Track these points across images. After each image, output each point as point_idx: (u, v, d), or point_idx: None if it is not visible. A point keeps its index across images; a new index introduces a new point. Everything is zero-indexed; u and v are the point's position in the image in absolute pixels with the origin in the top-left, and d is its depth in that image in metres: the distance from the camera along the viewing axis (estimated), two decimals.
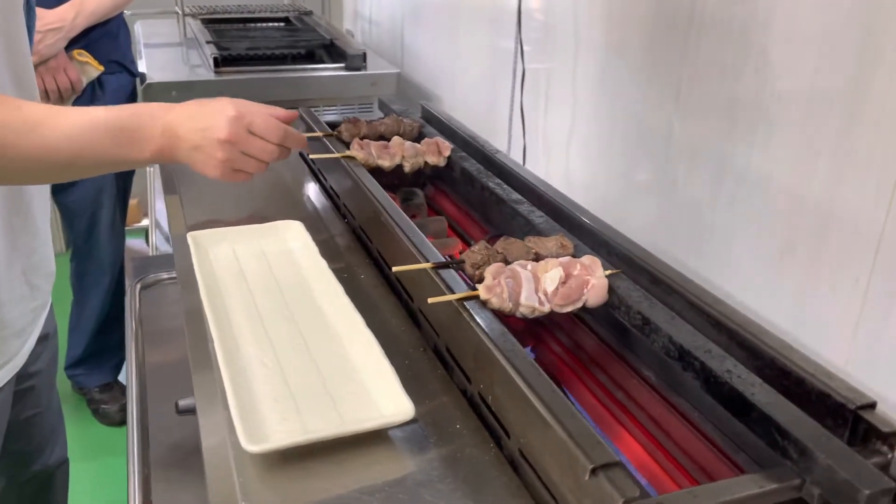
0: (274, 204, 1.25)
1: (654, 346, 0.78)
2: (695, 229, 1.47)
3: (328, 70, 2.38)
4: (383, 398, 0.75)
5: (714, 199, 1.39)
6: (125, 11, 2.75)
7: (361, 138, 1.23)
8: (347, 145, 1.19)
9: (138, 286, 1.31)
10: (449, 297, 0.79)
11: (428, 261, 0.86)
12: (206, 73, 2.28)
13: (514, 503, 0.67)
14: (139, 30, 2.80)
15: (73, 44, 2.00)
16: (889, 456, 0.64)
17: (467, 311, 0.77)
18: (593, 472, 0.58)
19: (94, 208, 2.24)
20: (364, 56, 2.37)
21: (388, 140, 1.21)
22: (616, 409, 0.95)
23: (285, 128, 0.94)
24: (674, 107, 1.47)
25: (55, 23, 1.93)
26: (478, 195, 1.13)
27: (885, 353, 1.11)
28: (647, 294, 0.83)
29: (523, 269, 0.82)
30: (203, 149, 0.89)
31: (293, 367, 0.80)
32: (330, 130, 1.26)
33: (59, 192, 2.22)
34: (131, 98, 2.23)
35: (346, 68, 2.37)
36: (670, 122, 1.47)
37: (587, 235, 0.97)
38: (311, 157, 1.21)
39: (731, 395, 0.68)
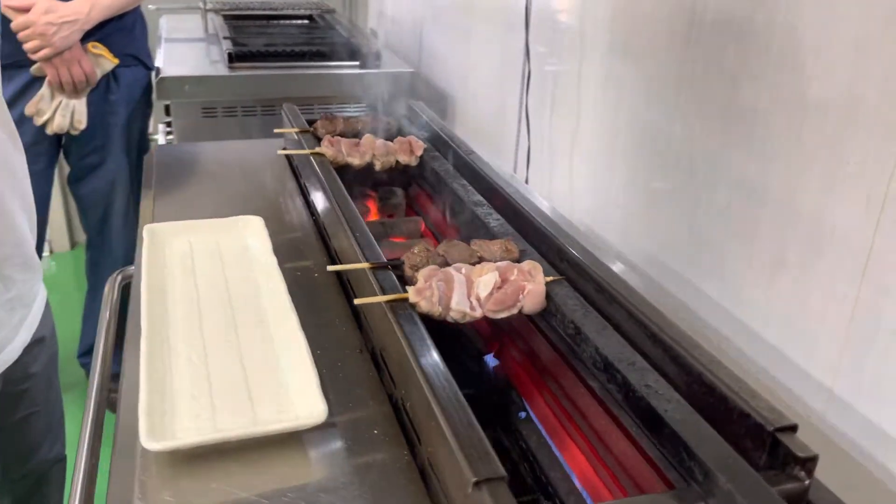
0: (250, 200, 1.25)
1: (583, 357, 0.76)
2: (690, 237, 1.44)
3: (343, 68, 2.38)
4: (300, 400, 0.74)
5: (709, 207, 1.36)
6: (149, 6, 2.80)
7: (338, 135, 1.22)
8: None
9: (119, 277, 1.32)
10: (377, 298, 0.78)
11: (369, 261, 0.85)
12: (222, 69, 2.30)
13: None
14: (163, 24, 2.84)
15: (88, 36, 2.02)
16: (806, 482, 0.61)
17: (393, 313, 0.76)
18: (476, 485, 0.56)
19: (107, 200, 2.28)
20: (378, 54, 2.36)
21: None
22: (565, 419, 0.92)
23: None
24: (672, 113, 1.44)
25: (70, 15, 1.95)
26: (445, 196, 1.11)
27: (870, 372, 1.08)
28: (584, 302, 0.80)
29: (458, 272, 0.80)
30: None
31: (220, 364, 0.79)
32: (307, 127, 1.25)
33: (73, 182, 2.26)
34: (146, 91, 2.25)
35: (361, 66, 2.36)
36: (669, 128, 1.45)
37: (542, 240, 0.95)
38: (279, 152, 1.21)
39: (647, 410, 0.66)
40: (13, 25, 1.89)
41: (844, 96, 1.04)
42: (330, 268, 0.86)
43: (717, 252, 1.36)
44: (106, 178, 2.23)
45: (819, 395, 1.17)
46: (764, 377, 1.26)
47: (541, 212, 1.00)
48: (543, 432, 0.96)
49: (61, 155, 2.24)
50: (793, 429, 0.63)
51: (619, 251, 1.66)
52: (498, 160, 2.13)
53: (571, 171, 1.84)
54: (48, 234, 3.15)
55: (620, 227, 1.65)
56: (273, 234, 1.11)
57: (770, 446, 0.63)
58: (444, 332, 1.10)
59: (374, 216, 1.26)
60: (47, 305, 1.20)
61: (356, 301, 0.78)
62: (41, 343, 1.16)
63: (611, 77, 1.65)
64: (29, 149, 2.10)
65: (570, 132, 1.82)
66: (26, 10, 1.89)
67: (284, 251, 1.07)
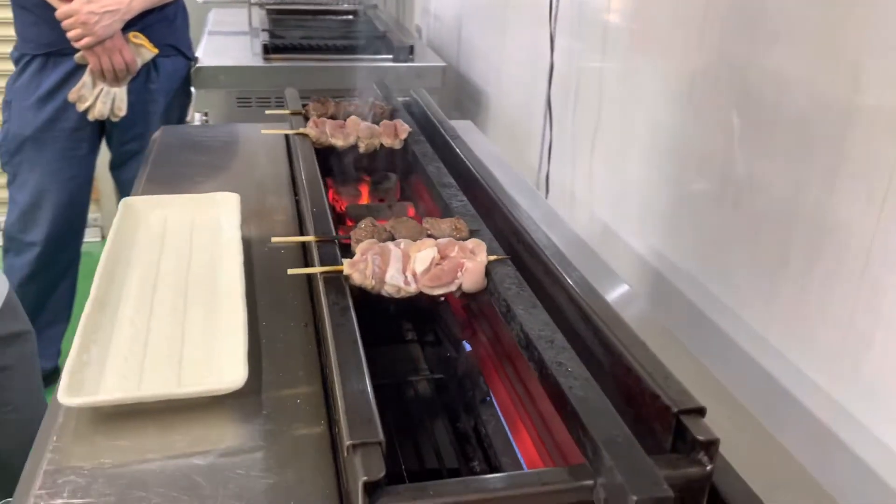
0: (242, 179, 1.26)
1: (512, 334, 0.74)
2: (698, 234, 1.42)
3: (375, 61, 2.40)
4: (225, 366, 0.74)
5: (718, 204, 1.33)
6: (198, 0, 2.87)
7: (330, 118, 1.23)
8: None
9: None
10: (311, 269, 0.78)
11: (316, 235, 0.85)
12: (258, 60, 2.35)
13: (310, 479, 0.65)
14: (211, 18, 2.91)
15: (130, 26, 2.08)
16: (708, 467, 0.58)
17: (324, 283, 0.76)
18: (352, 448, 0.55)
19: None
20: (411, 49, 2.38)
21: None
22: (517, 401, 0.91)
23: None
24: (685, 109, 1.42)
25: (112, 5, 2.02)
26: (421, 177, 1.11)
27: (868, 377, 1.05)
28: (520, 281, 0.78)
29: (396, 247, 0.79)
30: None
31: (161, 330, 0.81)
32: (301, 109, 1.27)
33: (114, 168, 2.34)
34: (185, 81, 2.31)
35: (394, 60, 2.38)
36: (681, 125, 1.42)
37: (503, 222, 0.93)
38: (263, 131, 1.22)
39: (554, 387, 0.64)
40: (58, 14, 1.97)
41: (848, 94, 1.01)
42: (274, 239, 0.87)
43: (722, 250, 1.33)
44: None
45: (816, 396, 1.13)
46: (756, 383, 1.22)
47: (509, 196, 0.99)
48: (500, 416, 0.94)
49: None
50: (700, 412, 0.60)
51: (632, 247, 1.63)
52: (525, 153, 2.12)
53: (592, 166, 1.82)
54: (99, 220, 3.27)
55: (636, 223, 1.63)
56: (256, 212, 1.12)
57: (676, 429, 0.60)
58: (424, 316, 1.10)
59: (364, 200, 1.27)
60: (10, 303, 1.15)
61: (290, 271, 0.78)
62: (14, 340, 1.13)
63: (629, 72, 1.63)
64: (72, 134, 2.19)
65: (591, 126, 1.80)
66: None
67: (262, 228, 1.08)
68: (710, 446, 0.58)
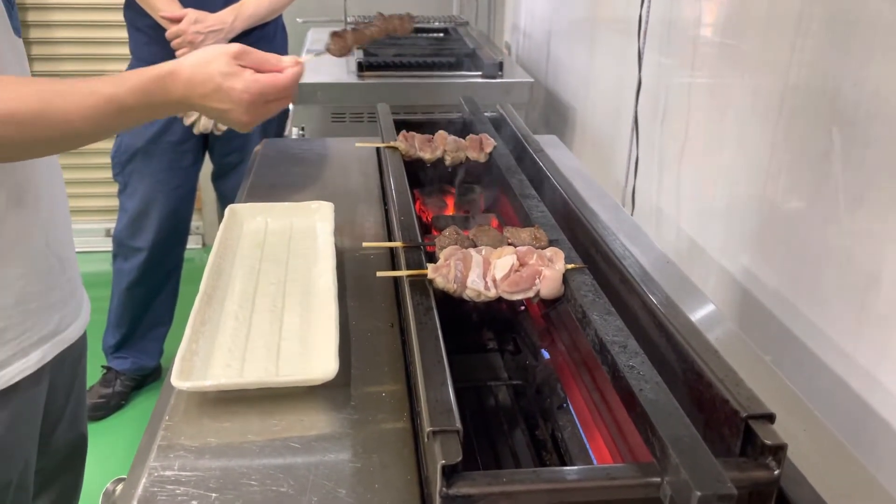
0: (336, 190, 1.33)
1: (587, 340, 0.77)
2: (786, 252, 1.40)
3: (464, 78, 2.45)
4: (317, 359, 0.80)
5: (808, 221, 1.32)
6: (297, 20, 3.00)
7: (418, 132, 1.29)
8: None
9: None
10: (397, 273, 0.83)
11: (403, 242, 0.90)
12: (353, 77, 2.44)
13: (393, 465, 0.69)
14: (310, 37, 3.04)
15: None
16: (775, 472, 0.60)
17: (410, 286, 0.81)
18: (432, 434, 0.60)
19: None
20: (500, 65, 2.42)
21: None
22: (593, 408, 0.93)
23: (289, 80, 0.94)
24: (775, 123, 1.41)
25: (215, 25, 2.15)
26: (503, 189, 1.15)
27: None
28: (597, 289, 0.81)
29: (478, 253, 0.84)
30: (227, 120, 0.88)
31: (261, 325, 0.87)
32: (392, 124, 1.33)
33: (215, 179, 2.47)
34: None
35: (483, 76, 2.43)
36: (770, 139, 1.42)
37: (582, 232, 0.97)
38: (357, 144, 1.29)
39: (626, 389, 0.67)
40: (167, 34, 2.11)
41: None
42: (365, 244, 0.92)
43: (813, 268, 1.31)
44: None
45: None
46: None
47: (588, 207, 1.02)
48: (577, 422, 0.97)
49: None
50: (769, 418, 0.62)
51: (720, 264, 1.63)
52: (611, 169, 2.14)
53: (679, 182, 1.82)
54: (201, 228, 3.44)
55: (724, 240, 1.62)
56: (348, 220, 1.19)
57: (745, 433, 0.62)
58: (505, 325, 1.14)
59: (450, 211, 1.32)
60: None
61: (378, 274, 0.84)
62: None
63: (718, 87, 1.63)
64: (177, 146, 2.34)
65: (679, 142, 1.80)
66: (178, 20, 2.10)
67: (354, 234, 1.15)
68: (778, 451, 0.60)
